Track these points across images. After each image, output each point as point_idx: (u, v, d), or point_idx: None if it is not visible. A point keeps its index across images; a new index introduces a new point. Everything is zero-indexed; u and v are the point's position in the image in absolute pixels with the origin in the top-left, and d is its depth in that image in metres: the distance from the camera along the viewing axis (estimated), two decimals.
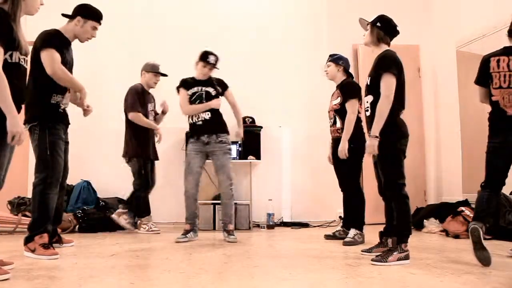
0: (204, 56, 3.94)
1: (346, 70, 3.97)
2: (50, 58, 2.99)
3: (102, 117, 4.85)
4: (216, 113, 3.96)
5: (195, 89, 3.98)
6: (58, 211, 3.36)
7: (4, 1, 2.32)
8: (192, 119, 3.96)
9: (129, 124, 4.44)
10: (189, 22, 5.41)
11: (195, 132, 3.96)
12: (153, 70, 4.53)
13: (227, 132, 3.98)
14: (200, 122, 3.92)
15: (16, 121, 2.27)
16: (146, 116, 4.46)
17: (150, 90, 4.64)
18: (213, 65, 3.96)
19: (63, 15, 3.28)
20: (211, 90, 3.96)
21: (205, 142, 3.90)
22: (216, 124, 3.94)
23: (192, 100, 3.96)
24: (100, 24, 3.30)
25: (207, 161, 3.99)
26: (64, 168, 3.30)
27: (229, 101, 4.08)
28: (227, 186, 3.88)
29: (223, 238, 3.91)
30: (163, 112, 4.65)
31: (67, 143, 3.29)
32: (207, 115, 3.92)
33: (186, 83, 4.02)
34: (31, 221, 3.03)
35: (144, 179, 4.42)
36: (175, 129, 5.18)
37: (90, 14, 3.23)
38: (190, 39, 5.31)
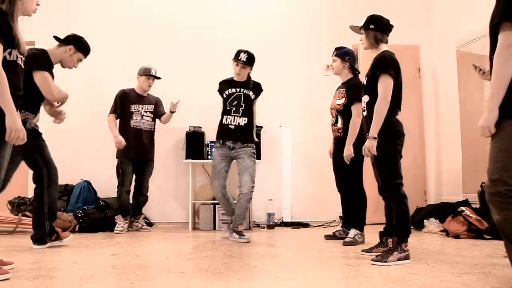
0: (236, 55, 3.96)
1: (352, 67, 3.88)
2: (47, 82, 3.16)
3: (102, 117, 4.84)
4: (251, 121, 3.98)
5: (232, 90, 3.98)
6: (52, 207, 3.36)
7: (2, 1, 2.35)
8: (226, 120, 3.95)
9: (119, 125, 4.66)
10: (189, 23, 5.41)
11: (222, 135, 3.95)
12: (145, 73, 4.64)
13: (253, 142, 4.00)
14: (233, 127, 3.92)
15: (14, 118, 2.28)
16: (131, 116, 4.57)
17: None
18: (244, 63, 3.91)
19: (55, 38, 3.40)
20: (251, 93, 3.97)
21: (231, 147, 3.92)
22: (246, 133, 3.95)
23: (230, 101, 3.95)
24: (85, 58, 3.53)
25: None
26: (49, 164, 3.35)
27: None
28: (249, 187, 3.87)
29: (229, 238, 3.90)
30: (171, 111, 4.70)
31: (42, 140, 3.36)
32: (243, 121, 3.92)
33: (222, 85, 4.06)
34: None
35: (120, 179, 4.53)
36: (175, 129, 5.18)
37: (82, 48, 3.47)
38: (189, 40, 5.31)
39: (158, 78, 4.69)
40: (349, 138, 3.67)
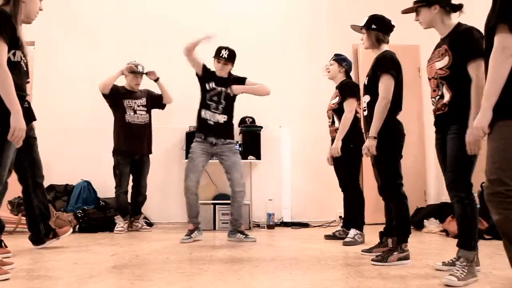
0: (217, 52, 3.93)
1: (347, 73, 3.99)
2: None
3: (102, 117, 4.85)
4: (231, 119, 3.95)
5: (214, 85, 3.92)
6: (44, 207, 3.31)
7: (6, 3, 2.38)
8: (205, 114, 3.89)
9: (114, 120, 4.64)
10: (189, 22, 5.39)
11: (203, 130, 3.88)
12: (130, 71, 4.62)
13: (233, 138, 3.98)
14: (212, 123, 3.87)
15: (20, 117, 2.29)
16: (125, 110, 4.55)
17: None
18: (226, 60, 3.89)
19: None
20: (229, 89, 3.91)
21: (213, 143, 3.86)
22: (227, 130, 3.92)
23: (210, 96, 3.90)
24: None
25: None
26: (35, 166, 3.24)
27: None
28: (242, 184, 3.85)
29: (230, 239, 3.89)
30: (154, 80, 4.72)
31: (34, 138, 3.23)
32: (222, 119, 3.88)
33: (207, 73, 3.97)
34: None
35: (117, 180, 4.50)
36: (175, 129, 5.19)
37: None
38: (190, 39, 5.30)
39: (144, 73, 4.67)
40: (339, 132, 3.71)
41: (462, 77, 2.32)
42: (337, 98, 3.87)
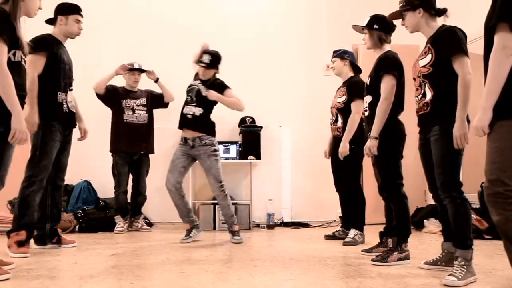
0: (199, 56, 3.90)
1: (352, 64, 3.89)
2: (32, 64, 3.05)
3: (102, 117, 4.85)
4: (207, 112, 3.89)
5: (192, 82, 4.01)
6: (56, 209, 3.39)
7: (5, 2, 2.37)
8: (185, 110, 3.90)
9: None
10: (189, 22, 5.41)
11: (181, 123, 3.90)
12: (127, 69, 4.63)
13: (212, 134, 3.90)
14: (190, 116, 3.85)
15: (21, 118, 2.30)
16: (123, 110, 4.58)
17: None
18: (206, 65, 3.82)
19: (47, 22, 3.36)
20: (202, 88, 3.86)
21: (191, 145, 3.84)
22: (203, 123, 3.86)
23: (187, 92, 3.97)
24: (81, 16, 3.40)
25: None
26: (60, 168, 3.36)
27: None
28: (217, 187, 3.83)
29: (227, 239, 3.89)
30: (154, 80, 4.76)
31: (68, 142, 3.39)
32: (198, 111, 3.84)
33: (195, 78, 4.05)
34: (13, 217, 3.10)
35: (116, 180, 4.51)
36: (175, 129, 5.15)
37: (68, 10, 3.32)
38: (189, 39, 5.30)
39: (143, 71, 4.68)
40: (346, 134, 3.66)
41: (444, 76, 2.36)
42: (344, 97, 3.78)
